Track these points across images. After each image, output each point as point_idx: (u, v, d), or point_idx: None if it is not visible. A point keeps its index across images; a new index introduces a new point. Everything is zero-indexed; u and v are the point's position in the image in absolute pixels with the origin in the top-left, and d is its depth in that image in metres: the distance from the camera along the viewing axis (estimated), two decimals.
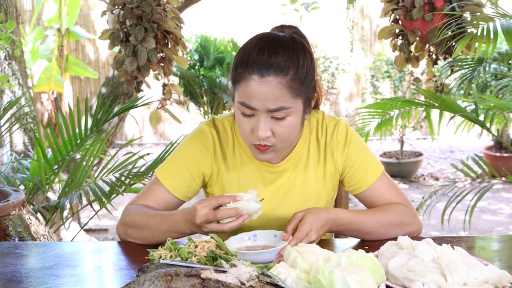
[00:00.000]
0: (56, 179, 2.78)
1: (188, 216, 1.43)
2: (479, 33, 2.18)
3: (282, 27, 1.57)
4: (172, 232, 1.49)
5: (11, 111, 3.10)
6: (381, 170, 1.64)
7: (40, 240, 2.16)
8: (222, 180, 1.64)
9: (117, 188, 2.52)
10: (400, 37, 2.45)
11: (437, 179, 6.57)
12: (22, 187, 2.72)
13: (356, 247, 1.45)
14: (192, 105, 7.15)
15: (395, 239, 1.36)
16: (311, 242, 1.42)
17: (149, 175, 2.59)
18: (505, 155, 6.31)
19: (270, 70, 1.42)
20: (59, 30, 6.07)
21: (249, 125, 1.48)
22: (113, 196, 2.55)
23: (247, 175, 1.63)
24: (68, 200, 2.46)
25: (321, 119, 1.66)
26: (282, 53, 1.44)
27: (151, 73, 2.36)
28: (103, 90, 3.97)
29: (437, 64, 2.52)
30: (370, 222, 1.56)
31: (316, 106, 1.67)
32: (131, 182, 2.57)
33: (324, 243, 1.51)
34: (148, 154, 2.69)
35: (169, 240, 1.38)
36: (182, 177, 1.61)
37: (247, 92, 1.44)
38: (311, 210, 1.49)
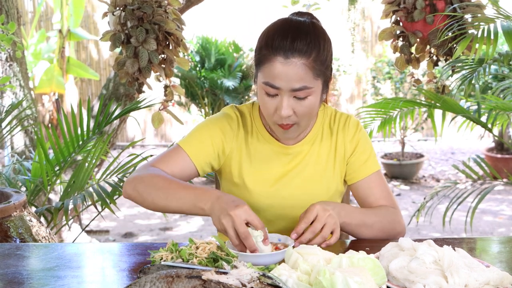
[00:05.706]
0: (58, 181, 2.78)
1: (224, 196, 1.43)
2: (479, 34, 2.18)
3: (299, 14, 1.62)
4: (188, 204, 1.47)
5: (13, 113, 3.10)
6: (379, 168, 1.71)
7: (41, 242, 2.16)
8: (240, 159, 1.68)
9: (119, 190, 2.53)
10: (401, 39, 2.45)
11: (438, 180, 6.56)
12: (23, 188, 2.73)
13: (357, 249, 1.45)
14: (193, 107, 7.15)
15: (384, 240, 1.36)
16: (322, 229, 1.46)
17: None
18: (507, 156, 6.30)
19: (295, 53, 1.48)
20: (60, 31, 6.07)
21: (272, 105, 1.53)
22: (116, 197, 2.57)
23: (262, 156, 1.68)
24: (72, 201, 2.47)
25: (334, 112, 1.75)
26: (305, 36, 1.50)
27: (152, 74, 2.37)
28: (104, 91, 3.98)
29: (437, 65, 2.52)
30: (369, 217, 1.59)
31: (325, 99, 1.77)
32: None
33: None
34: (151, 156, 2.70)
35: (170, 241, 1.38)
36: (205, 148, 1.65)
37: (271, 72, 1.49)
38: (317, 202, 1.51)
